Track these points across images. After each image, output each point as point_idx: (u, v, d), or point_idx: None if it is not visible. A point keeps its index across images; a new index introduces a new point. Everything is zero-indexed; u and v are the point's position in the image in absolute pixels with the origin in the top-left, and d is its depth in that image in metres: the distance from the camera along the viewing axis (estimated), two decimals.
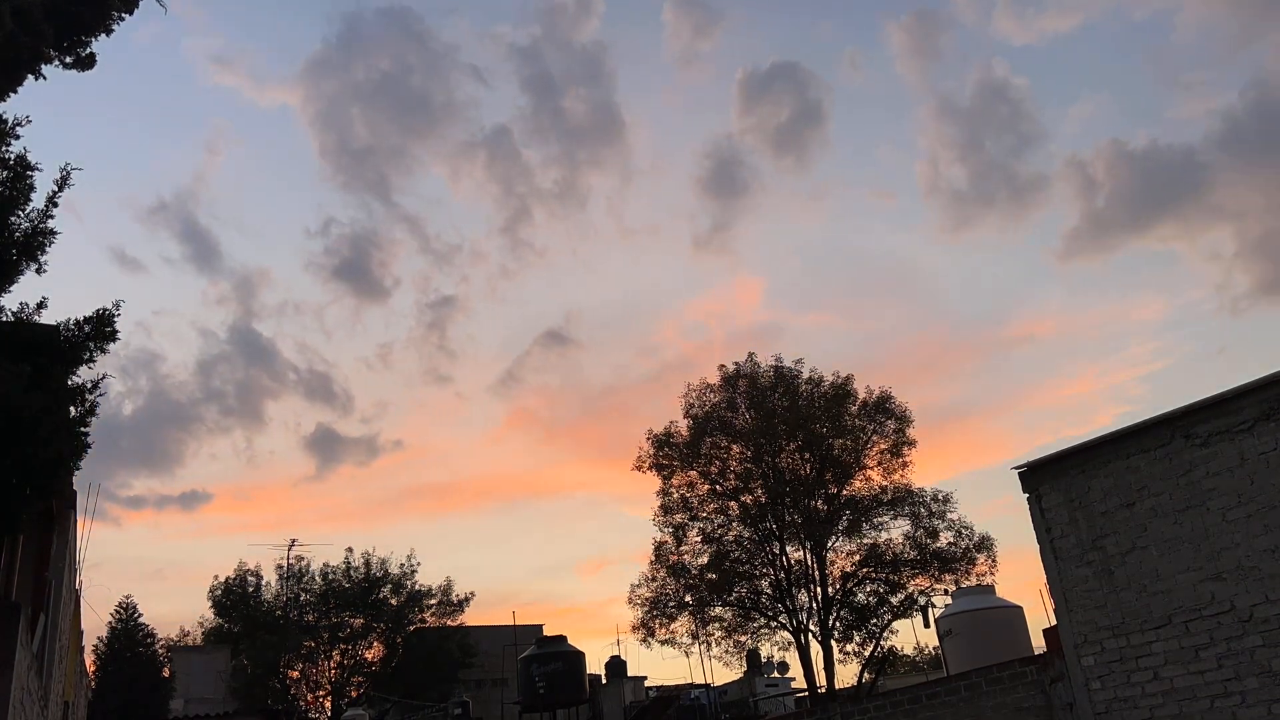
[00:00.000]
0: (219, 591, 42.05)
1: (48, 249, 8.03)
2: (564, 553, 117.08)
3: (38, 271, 8.01)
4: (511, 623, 47.47)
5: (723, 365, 33.95)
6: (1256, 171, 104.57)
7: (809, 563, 31.27)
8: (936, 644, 30.33)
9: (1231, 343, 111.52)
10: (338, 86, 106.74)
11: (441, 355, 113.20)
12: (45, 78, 8.82)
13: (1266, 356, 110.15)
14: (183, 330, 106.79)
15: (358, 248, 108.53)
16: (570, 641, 37.67)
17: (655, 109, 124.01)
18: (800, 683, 36.27)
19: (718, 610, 32.47)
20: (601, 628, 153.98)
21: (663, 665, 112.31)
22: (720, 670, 41.43)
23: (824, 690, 29.84)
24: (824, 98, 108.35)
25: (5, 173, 7.86)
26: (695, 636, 32.94)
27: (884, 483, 31.94)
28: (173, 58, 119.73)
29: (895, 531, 31.49)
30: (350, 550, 42.62)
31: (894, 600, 31.06)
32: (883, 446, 32.19)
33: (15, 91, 8.49)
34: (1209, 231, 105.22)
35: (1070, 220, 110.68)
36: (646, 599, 33.02)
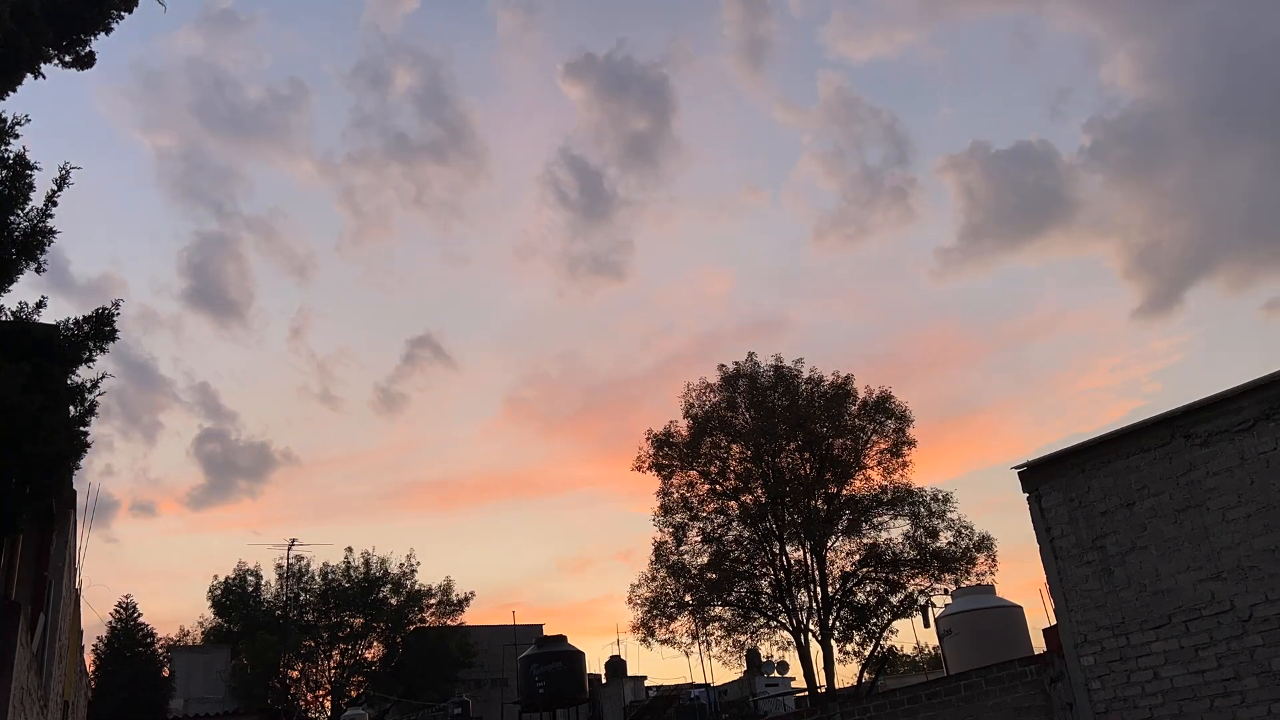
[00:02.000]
0: (219, 591, 42.02)
1: (47, 248, 8.03)
2: (564, 551, 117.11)
3: (37, 271, 8.00)
4: (511, 622, 47.49)
5: (722, 365, 33.93)
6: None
7: (809, 562, 31.27)
8: (936, 644, 30.28)
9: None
10: (163, 90, 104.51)
11: (312, 366, 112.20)
12: (44, 76, 8.83)
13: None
14: None
15: (208, 259, 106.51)
16: (570, 641, 37.63)
17: (496, 104, 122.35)
18: (800, 682, 36.28)
19: (718, 610, 32.47)
20: (601, 627, 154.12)
21: (663, 665, 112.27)
22: (720, 670, 41.47)
23: (824, 690, 29.83)
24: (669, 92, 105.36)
25: (4, 172, 7.84)
26: (695, 636, 32.94)
27: (884, 482, 31.96)
28: None
29: (895, 531, 31.52)
30: (350, 550, 42.58)
31: (894, 600, 31.08)
32: (882, 446, 32.18)
33: (15, 90, 8.49)
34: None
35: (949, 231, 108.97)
36: (646, 599, 33.04)
